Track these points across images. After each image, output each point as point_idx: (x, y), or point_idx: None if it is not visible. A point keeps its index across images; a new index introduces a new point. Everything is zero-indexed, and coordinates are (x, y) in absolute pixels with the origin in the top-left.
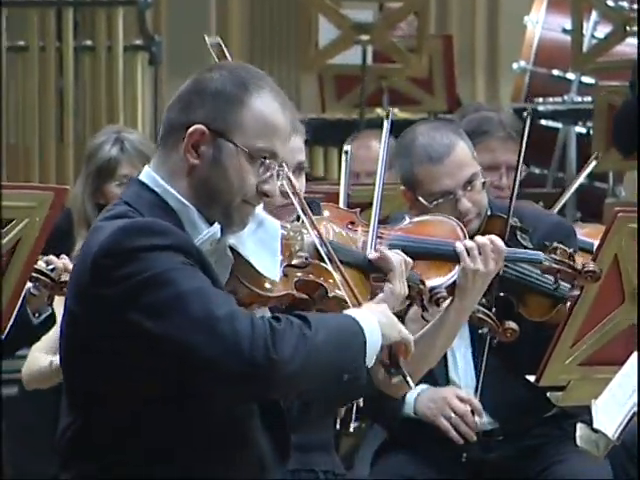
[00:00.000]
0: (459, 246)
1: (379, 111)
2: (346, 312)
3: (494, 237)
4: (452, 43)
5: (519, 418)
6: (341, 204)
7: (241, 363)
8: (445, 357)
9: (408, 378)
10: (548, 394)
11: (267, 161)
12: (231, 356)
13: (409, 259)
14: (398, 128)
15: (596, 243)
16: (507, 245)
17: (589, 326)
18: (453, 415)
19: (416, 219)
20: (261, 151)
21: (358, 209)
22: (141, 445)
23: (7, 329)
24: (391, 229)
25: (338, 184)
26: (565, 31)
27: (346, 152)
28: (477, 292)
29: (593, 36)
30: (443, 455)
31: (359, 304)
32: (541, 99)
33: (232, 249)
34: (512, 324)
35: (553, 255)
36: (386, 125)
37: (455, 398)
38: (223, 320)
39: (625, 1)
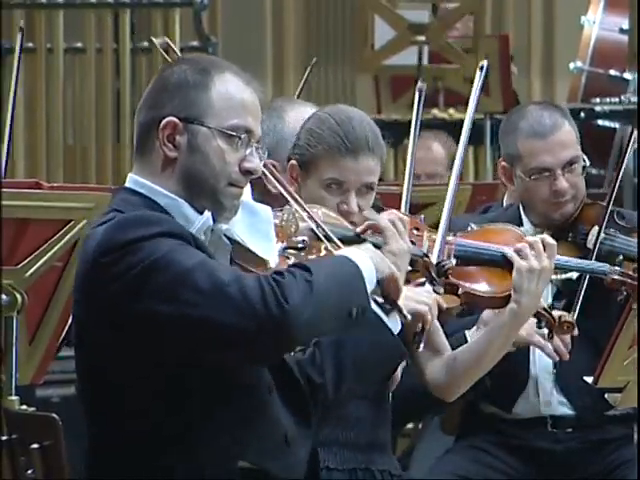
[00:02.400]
0: (507, 250)
1: (435, 112)
2: (336, 253)
3: (545, 235)
4: (508, 43)
5: (595, 408)
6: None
7: (258, 320)
8: None
9: (404, 311)
10: (606, 395)
11: (244, 137)
12: (247, 316)
13: (403, 216)
14: (453, 129)
15: None
16: (607, 227)
17: None
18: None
19: (480, 228)
20: (235, 128)
21: (422, 216)
22: (165, 428)
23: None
24: (457, 236)
25: (395, 185)
26: (622, 31)
27: (420, 90)
28: (535, 292)
29: None
30: (509, 446)
31: None
32: (598, 99)
33: (228, 237)
34: (569, 317)
35: (618, 267)
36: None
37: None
38: (230, 284)
39: None
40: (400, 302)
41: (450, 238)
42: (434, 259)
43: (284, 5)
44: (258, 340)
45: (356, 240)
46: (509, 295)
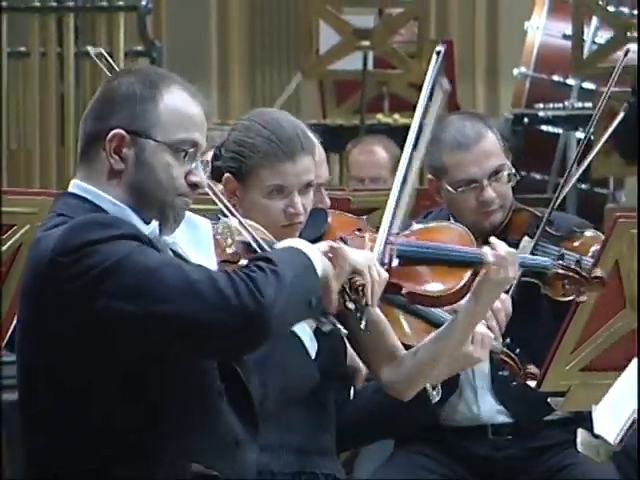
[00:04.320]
0: (488, 255)
1: (380, 117)
2: (283, 244)
3: (507, 247)
4: (452, 48)
5: (533, 414)
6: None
7: (235, 315)
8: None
9: (338, 325)
10: (549, 399)
11: (190, 151)
12: (223, 311)
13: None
14: (397, 134)
15: None
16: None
17: (590, 332)
18: None
19: (423, 225)
20: (182, 142)
21: (365, 216)
22: (118, 430)
23: (8, 335)
24: (399, 235)
25: (340, 189)
26: (565, 37)
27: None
28: (493, 298)
29: (594, 42)
30: (451, 453)
31: None
32: (541, 105)
33: (171, 249)
34: (533, 369)
35: (561, 262)
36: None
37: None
38: (202, 281)
39: (626, 7)
40: (331, 308)
41: (392, 238)
42: (375, 259)
43: (229, 10)
44: (236, 334)
45: None
46: (455, 293)
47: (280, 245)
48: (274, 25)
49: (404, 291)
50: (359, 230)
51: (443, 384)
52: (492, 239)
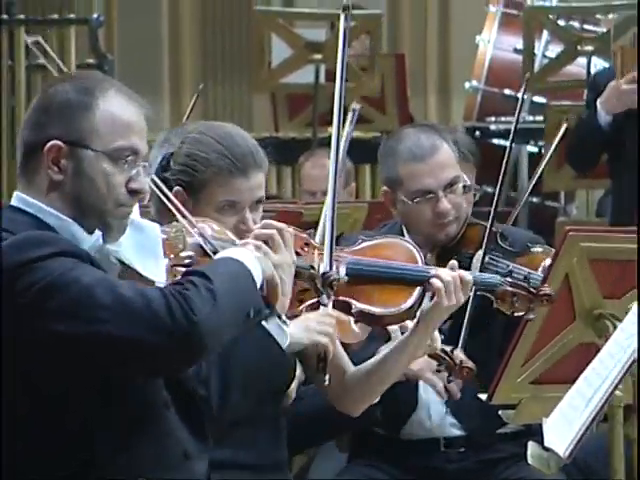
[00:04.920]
0: (436, 283)
1: (331, 130)
2: (221, 254)
3: (462, 271)
4: (404, 62)
5: (486, 427)
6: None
7: (167, 333)
8: None
9: (283, 317)
10: (500, 412)
11: (130, 158)
12: (155, 330)
13: (288, 228)
14: (349, 147)
15: None
16: (491, 250)
17: (540, 345)
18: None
19: (372, 241)
20: (121, 150)
21: (311, 230)
22: (64, 444)
23: None
24: (347, 251)
25: (291, 203)
26: (516, 51)
27: (354, 110)
28: (443, 315)
29: (544, 56)
30: (403, 466)
31: None
32: (493, 118)
33: (116, 258)
34: (469, 363)
35: (509, 279)
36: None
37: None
38: (134, 299)
39: (576, 21)
40: (279, 307)
41: (341, 254)
42: (325, 265)
43: (181, 23)
44: (169, 353)
45: None
46: (405, 312)
47: (218, 255)
48: (226, 38)
49: (354, 310)
50: (306, 245)
51: (403, 402)
52: (452, 262)
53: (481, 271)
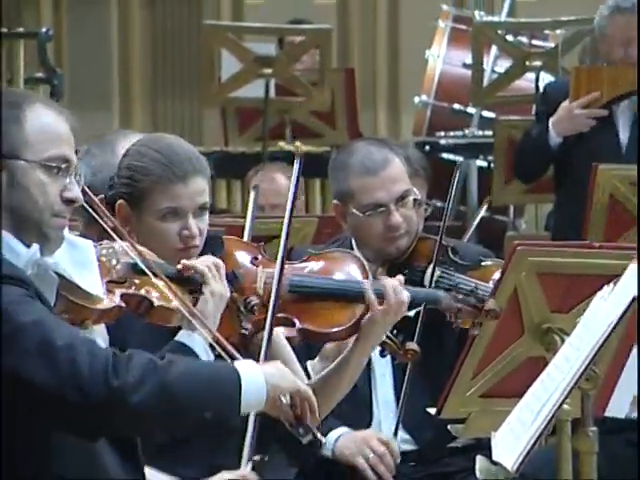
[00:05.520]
0: (370, 296)
1: (282, 144)
2: (224, 363)
3: (399, 286)
4: (354, 76)
5: (437, 441)
6: (246, 238)
7: (80, 392)
8: (369, 376)
9: (318, 435)
10: (449, 426)
11: (63, 166)
12: (70, 385)
13: (219, 261)
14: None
15: None
16: (442, 263)
17: (489, 358)
18: (371, 455)
19: (318, 257)
20: (53, 159)
21: (262, 243)
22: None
23: None
24: (292, 267)
25: (241, 217)
26: (465, 65)
27: (255, 187)
28: (381, 333)
29: (493, 71)
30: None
31: (188, 306)
32: (442, 133)
33: (55, 271)
34: (413, 345)
35: (454, 293)
36: (296, 166)
37: (375, 439)
38: (61, 349)
39: (524, 37)
40: (308, 422)
41: (286, 270)
42: (274, 290)
43: (130, 37)
44: (78, 412)
45: (178, 276)
46: (348, 329)
47: (236, 364)
48: (176, 52)
49: (297, 327)
50: (255, 258)
51: (355, 417)
52: (398, 277)
53: (432, 285)
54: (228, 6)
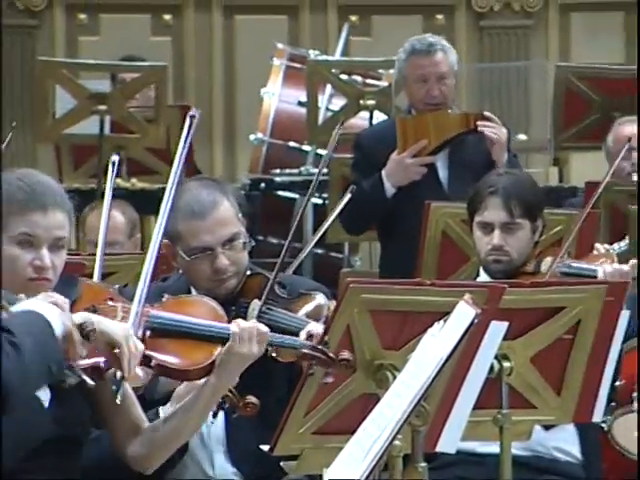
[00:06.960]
0: (234, 328)
1: (118, 181)
2: (20, 306)
3: (259, 324)
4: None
5: (267, 478)
6: (96, 277)
7: None
8: None
9: (83, 375)
10: (282, 463)
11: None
12: None
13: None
14: (135, 198)
15: None
16: (267, 299)
17: (322, 395)
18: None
19: (176, 298)
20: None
21: (117, 285)
22: None
23: None
24: (152, 307)
25: (76, 254)
26: (301, 103)
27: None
28: (236, 373)
29: (328, 109)
30: None
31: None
32: (278, 170)
33: None
34: (253, 399)
35: (309, 342)
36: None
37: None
38: None
39: (358, 76)
40: (76, 363)
41: (145, 309)
42: (130, 331)
43: None
44: None
45: None
46: (204, 368)
47: (19, 307)
48: (14, 88)
49: (153, 363)
50: (111, 299)
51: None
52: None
53: (256, 319)
54: (62, 41)
